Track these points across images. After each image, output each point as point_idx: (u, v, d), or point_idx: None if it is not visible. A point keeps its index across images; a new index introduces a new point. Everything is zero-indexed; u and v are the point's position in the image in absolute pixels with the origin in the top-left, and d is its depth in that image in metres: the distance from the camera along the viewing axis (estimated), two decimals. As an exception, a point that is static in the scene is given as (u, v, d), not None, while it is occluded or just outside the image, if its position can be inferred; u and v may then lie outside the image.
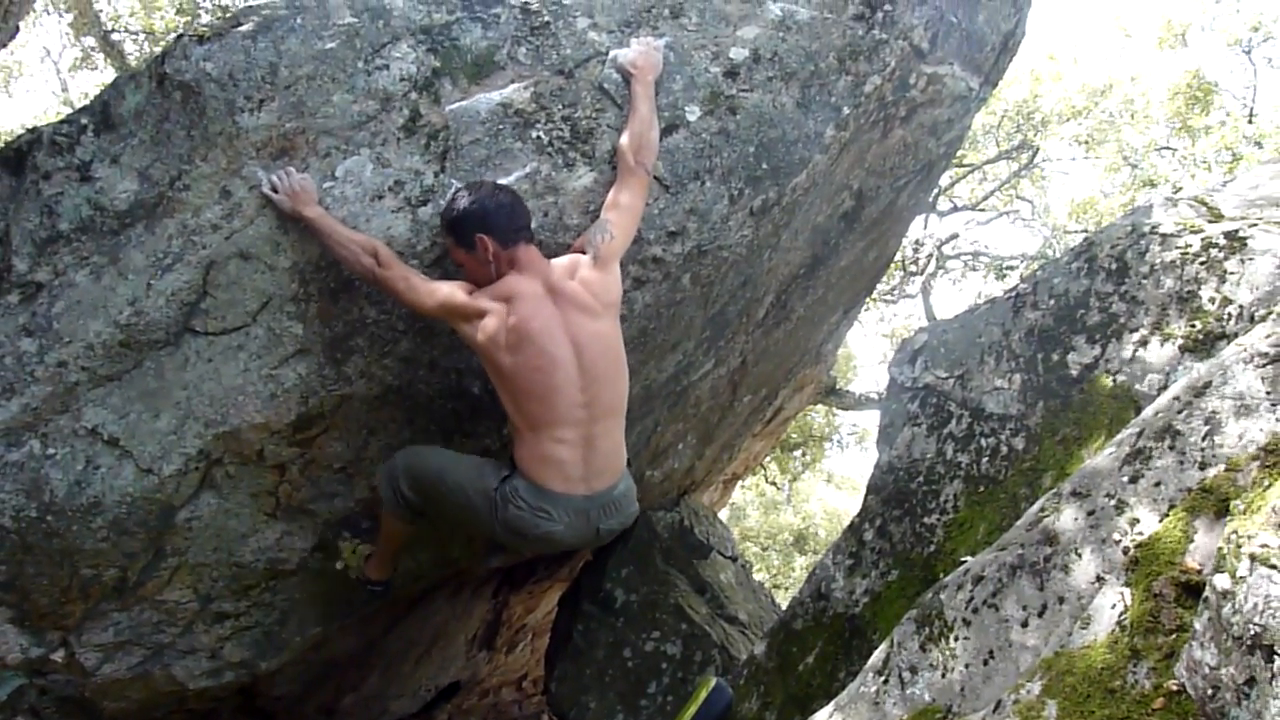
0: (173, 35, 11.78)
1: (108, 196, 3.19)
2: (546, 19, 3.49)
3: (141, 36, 12.66)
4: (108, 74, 13.25)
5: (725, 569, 5.57)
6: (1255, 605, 1.45)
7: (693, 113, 3.46)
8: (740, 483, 12.64)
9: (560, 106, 3.39)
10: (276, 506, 3.64)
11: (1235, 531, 1.63)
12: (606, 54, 3.45)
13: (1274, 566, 1.43)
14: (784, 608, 4.44)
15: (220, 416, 3.33)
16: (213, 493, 3.48)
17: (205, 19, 12.12)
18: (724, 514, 19.80)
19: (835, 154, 3.80)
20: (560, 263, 3.18)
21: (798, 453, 19.05)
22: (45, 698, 3.67)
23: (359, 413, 3.51)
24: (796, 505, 22.87)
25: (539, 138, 3.34)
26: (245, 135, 3.17)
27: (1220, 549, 1.64)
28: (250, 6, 3.28)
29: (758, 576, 20.83)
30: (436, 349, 3.44)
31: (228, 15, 3.41)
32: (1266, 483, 1.75)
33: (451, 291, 3.09)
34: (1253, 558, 1.49)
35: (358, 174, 3.25)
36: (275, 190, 3.14)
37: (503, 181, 3.23)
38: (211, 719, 4.40)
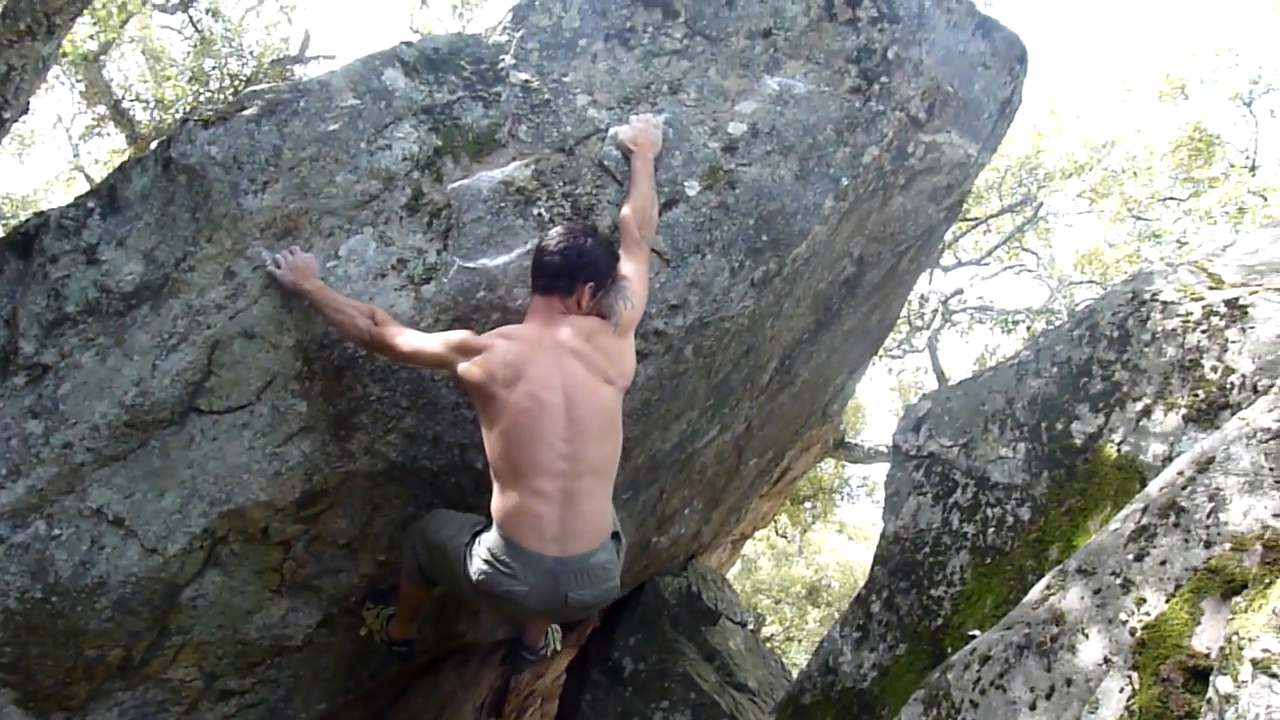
0: (182, 102, 12.05)
1: (114, 278, 3.22)
2: (547, 97, 3.55)
3: (152, 104, 12.85)
4: (118, 141, 13.45)
5: (734, 635, 5.51)
6: (1257, 716, 1.43)
7: (692, 187, 3.50)
8: (752, 536, 12.56)
9: (561, 183, 3.43)
10: (281, 583, 3.62)
11: (1237, 633, 1.61)
12: (606, 131, 3.50)
13: (1275, 675, 1.41)
14: (796, 667, 4.39)
15: (225, 495, 3.33)
16: (217, 570, 3.47)
17: (214, 85, 12.33)
18: (735, 567, 19.67)
19: (835, 224, 3.83)
20: (582, 322, 3.15)
21: (808, 504, 18.92)
22: (49, 779, 3.63)
23: (363, 489, 3.51)
24: (809, 557, 22.66)
25: (540, 214, 3.38)
26: (249, 216, 3.21)
27: (1223, 648, 1.63)
28: (254, 90, 3.34)
29: (770, 630, 20.65)
30: (440, 424, 3.45)
31: (234, 87, 3.47)
32: (1268, 580, 1.74)
33: (454, 333, 3.11)
34: (1255, 663, 1.47)
35: (361, 253, 3.28)
36: (278, 267, 3.17)
37: (502, 259, 3.26)
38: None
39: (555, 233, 3.17)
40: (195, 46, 12.95)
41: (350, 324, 3.10)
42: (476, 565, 3.04)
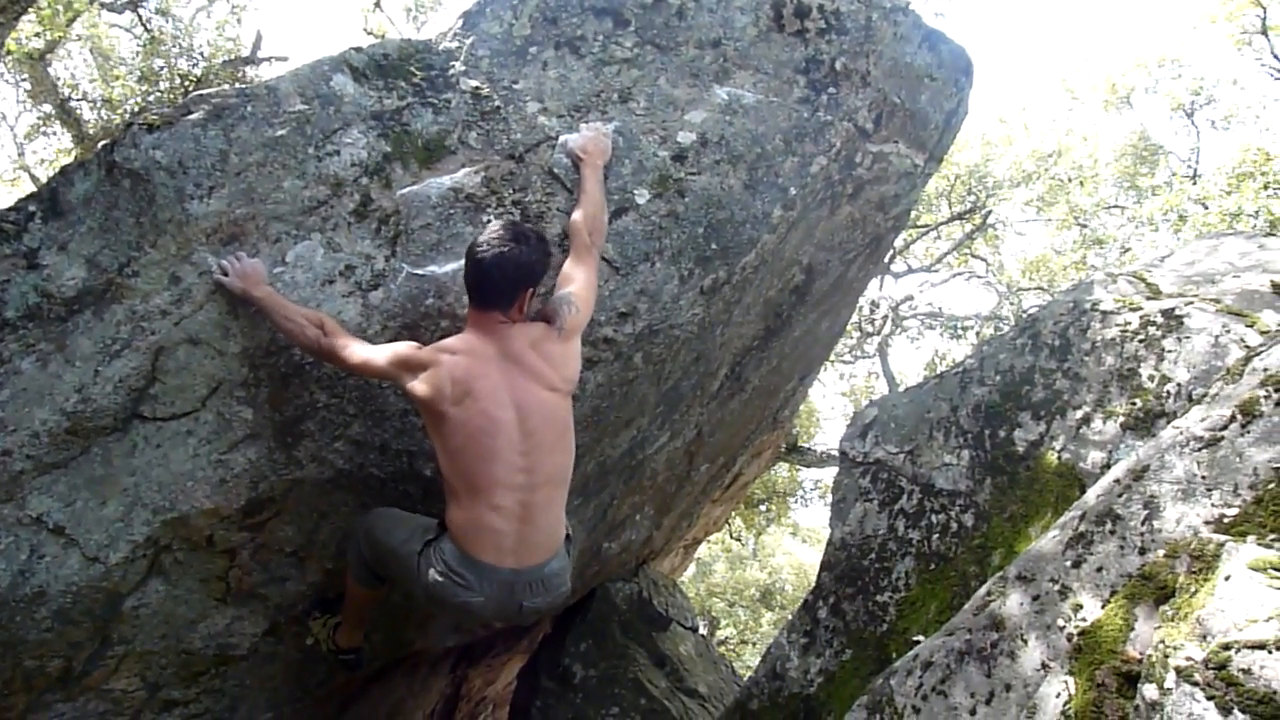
0: (131, 102, 11.86)
1: (55, 283, 3.16)
2: (497, 104, 3.55)
3: (100, 104, 12.64)
4: (65, 140, 13.21)
5: (685, 640, 5.53)
6: (1178, 723, 1.48)
7: (642, 195, 3.52)
8: (706, 540, 12.60)
9: (511, 190, 3.43)
10: (226, 592, 3.58)
11: (1163, 641, 1.65)
12: (556, 139, 3.51)
13: (1197, 684, 1.45)
14: (750, 670, 4.42)
15: (169, 503, 3.28)
16: (161, 579, 3.42)
17: (163, 85, 12.15)
18: (690, 571, 19.72)
19: (784, 232, 3.86)
20: (525, 330, 3.13)
21: (762, 508, 19.02)
22: (-15, 793, 3.57)
23: (310, 497, 3.48)
24: (763, 560, 22.80)
25: (490, 221, 3.37)
26: (195, 222, 3.17)
27: (1149, 656, 1.67)
28: (200, 94, 3.30)
29: (725, 633, 20.72)
30: (388, 432, 3.43)
31: (185, 87, 3.44)
32: (1193, 589, 1.79)
33: (399, 346, 3.06)
34: (1179, 671, 1.51)
35: (308, 259, 3.26)
36: (225, 274, 3.14)
37: (451, 267, 3.25)
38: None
39: (485, 244, 3.07)
40: (144, 46, 12.75)
41: (299, 332, 3.07)
42: (431, 576, 3.02)
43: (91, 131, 12.41)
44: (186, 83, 12.19)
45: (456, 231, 3.35)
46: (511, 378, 3.03)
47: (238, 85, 3.40)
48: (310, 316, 3.09)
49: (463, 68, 3.62)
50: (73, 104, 12.80)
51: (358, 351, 3.04)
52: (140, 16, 12.91)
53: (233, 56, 13.27)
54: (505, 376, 3.02)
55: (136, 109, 11.82)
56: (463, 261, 3.27)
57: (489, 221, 3.36)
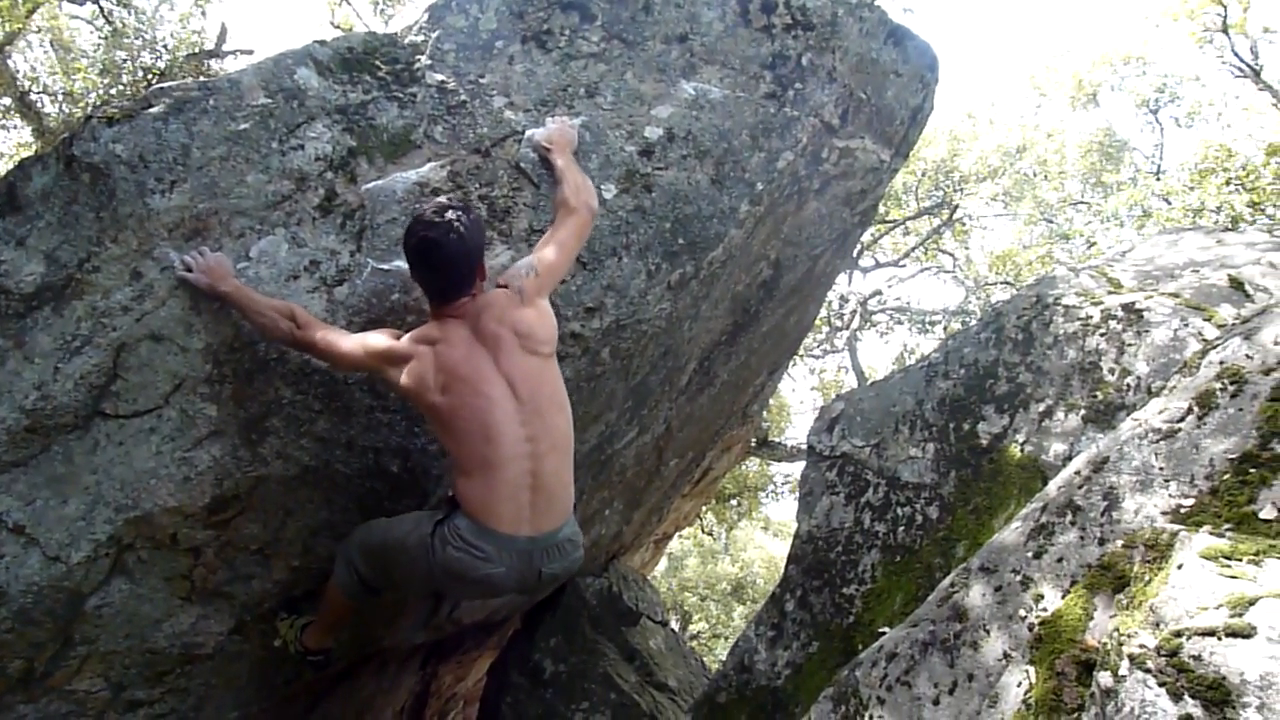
0: (92, 95, 11.70)
1: (13, 279, 3.12)
2: (463, 98, 3.53)
3: (60, 97, 12.46)
4: (25, 134, 13.02)
5: (655, 635, 5.55)
6: (1132, 710, 1.50)
7: (609, 190, 3.51)
8: (677, 534, 12.63)
9: (477, 185, 3.42)
10: (191, 590, 3.54)
11: (1117, 629, 1.68)
12: (523, 133, 3.50)
13: (1149, 671, 1.47)
14: (717, 667, 4.44)
15: (132, 501, 3.25)
16: (124, 578, 3.39)
17: (126, 78, 12.00)
18: (661, 565, 19.74)
19: (751, 227, 3.88)
20: (490, 304, 3.09)
21: (734, 502, 19.09)
22: (-55, 796, 3.52)
23: (276, 494, 3.45)
24: (734, 554, 22.89)
25: (410, 223, 3.35)
26: (156, 217, 3.14)
27: (1104, 644, 1.70)
28: (161, 88, 3.27)
29: (697, 627, 20.77)
30: (354, 428, 3.41)
31: (147, 80, 3.40)
32: (1147, 578, 1.81)
33: (376, 338, 3.05)
34: (1132, 659, 1.54)
35: (272, 254, 3.23)
36: (189, 270, 3.11)
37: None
38: (124, 809, 4.24)
39: (420, 245, 3.00)
40: (106, 38, 12.58)
41: (272, 326, 3.05)
42: (449, 554, 3.02)
43: (52, 125, 12.23)
44: (149, 76, 12.05)
45: (422, 226, 3.33)
46: (493, 353, 3.02)
47: (200, 79, 3.37)
48: (280, 309, 3.07)
49: (429, 62, 3.60)
50: (33, 97, 12.62)
51: (336, 344, 3.02)
52: (102, 9, 12.76)
53: (197, 50, 13.12)
54: (487, 354, 3.01)
55: (98, 102, 11.66)
56: None
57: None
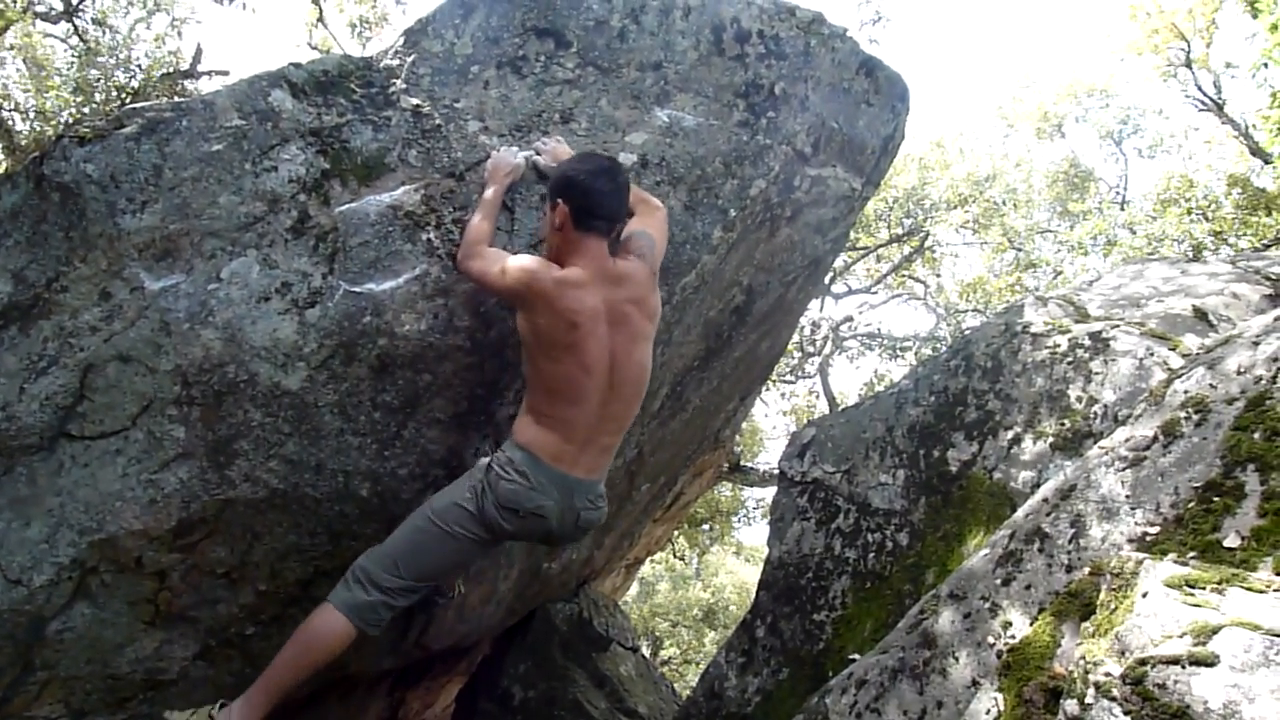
0: (65, 113, 11.63)
1: (-21, 298, 3.09)
2: (438, 122, 3.54)
3: (33, 115, 12.37)
4: (-6, 152, 12.90)
5: (625, 660, 5.52)
6: (1097, 737, 1.51)
7: (583, 215, 3.51)
8: (649, 559, 12.59)
9: (451, 209, 3.42)
10: (156, 614, 3.50)
11: (1084, 657, 1.69)
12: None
13: (1114, 699, 1.49)
14: (688, 693, 4.42)
15: (96, 523, 3.21)
16: (87, 602, 3.34)
17: (99, 97, 11.93)
18: (633, 590, 19.66)
19: (723, 254, 3.90)
20: (634, 276, 3.20)
21: (706, 527, 19.07)
22: (-103, 827, 3.44)
23: (243, 517, 3.42)
24: (706, 579, 22.83)
25: (429, 240, 3.36)
26: (127, 237, 3.12)
27: (1071, 671, 1.71)
28: (134, 108, 3.26)
29: (669, 652, 20.66)
30: (323, 451, 3.39)
31: (121, 100, 3.38)
32: (1113, 605, 1.83)
33: (527, 268, 3.10)
34: (1098, 687, 1.55)
35: (244, 275, 3.22)
36: (539, 154, 3.47)
37: (389, 284, 3.24)
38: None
39: (596, 166, 3.18)
40: (80, 56, 12.51)
41: (490, 235, 3.32)
42: (503, 487, 3.13)
43: (24, 143, 12.13)
44: (123, 95, 11.98)
45: (395, 249, 3.33)
46: (614, 334, 3.16)
47: (174, 99, 3.36)
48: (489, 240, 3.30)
49: (404, 85, 3.61)
50: (4, 114, 12.52)
51: (492, 262, 3.17)
52: (76, 27, 12.70)
53: (172, 70, 13.07)
54: (609, 333, 3.15)
55: (71, 121, 11.59)
56: (401, 279, 3.26)
57: (430, 240, 3.34)
